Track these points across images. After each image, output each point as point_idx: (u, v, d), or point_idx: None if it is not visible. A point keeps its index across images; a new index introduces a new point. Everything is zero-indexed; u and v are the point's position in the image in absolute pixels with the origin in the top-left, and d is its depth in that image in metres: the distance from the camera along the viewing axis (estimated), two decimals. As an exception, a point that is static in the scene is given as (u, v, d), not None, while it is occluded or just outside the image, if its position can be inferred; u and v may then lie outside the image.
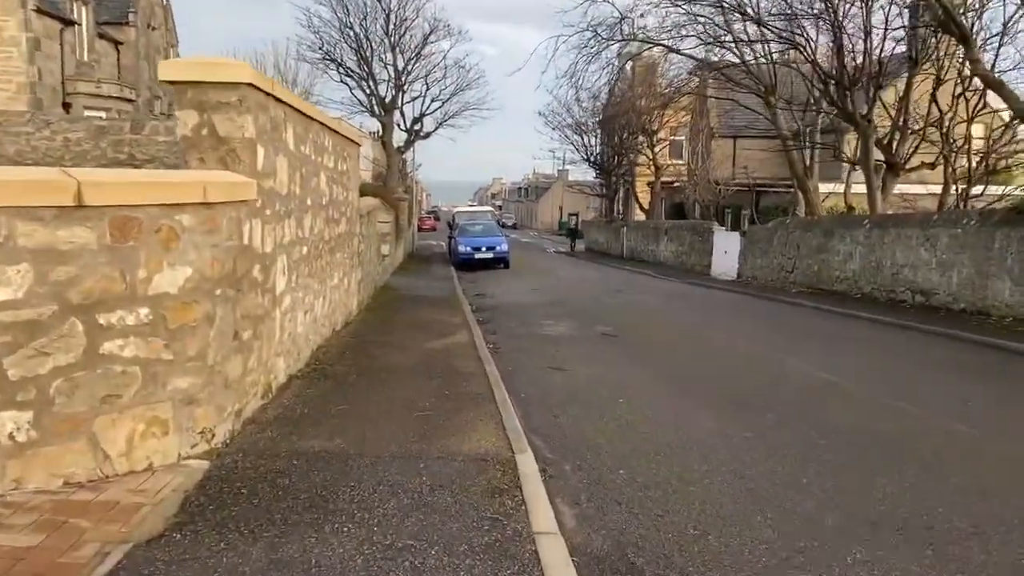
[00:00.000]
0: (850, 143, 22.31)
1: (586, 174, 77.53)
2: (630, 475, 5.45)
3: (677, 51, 24.59)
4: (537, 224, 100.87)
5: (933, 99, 17.99)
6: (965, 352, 10.98)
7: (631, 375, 9.00)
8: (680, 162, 43.66)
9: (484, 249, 30.45)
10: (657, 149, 41.59)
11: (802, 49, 19.90)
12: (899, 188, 21.32)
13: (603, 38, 24.69)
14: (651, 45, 24.74)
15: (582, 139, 50.89)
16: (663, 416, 7.12)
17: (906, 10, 19.33)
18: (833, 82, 18.94)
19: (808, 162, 23.73)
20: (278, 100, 6.65)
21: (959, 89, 18.90)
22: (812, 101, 23.29)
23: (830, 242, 20.96)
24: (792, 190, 28.40)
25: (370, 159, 57.10)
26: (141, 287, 4.77)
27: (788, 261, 23.29)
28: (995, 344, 11.27)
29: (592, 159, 51.83)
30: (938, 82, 17.70)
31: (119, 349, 4.70)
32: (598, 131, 49.82)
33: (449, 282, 23.03)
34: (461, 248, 30.63)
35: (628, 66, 33.16)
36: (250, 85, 5.78)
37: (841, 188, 25.87)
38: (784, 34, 19.62)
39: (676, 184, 43.93)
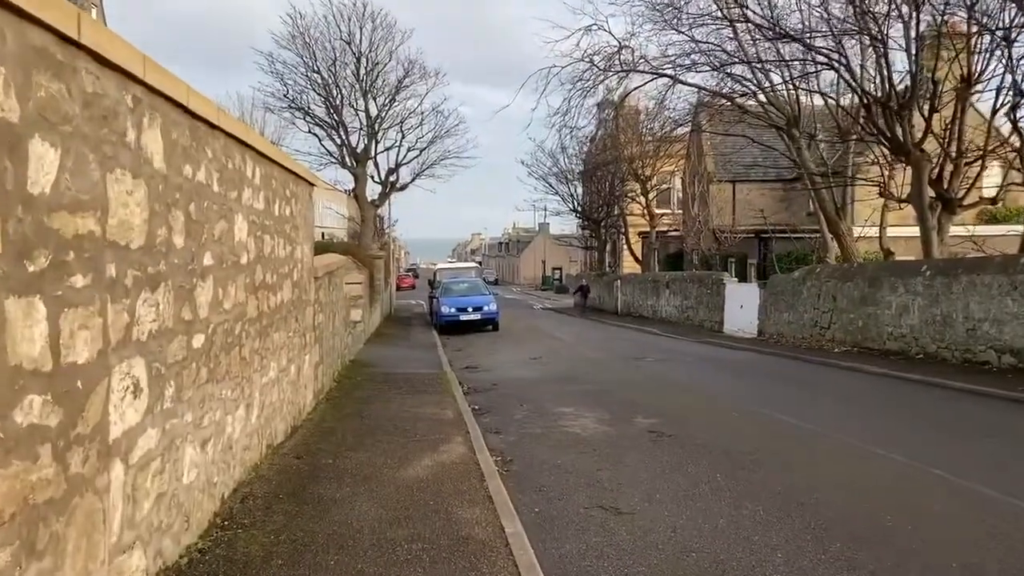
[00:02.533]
0: (894, 178, 19.38)
1: (568, 226, 74.95)
2: None
3: (683, 81, 21.84)
4: (519, 279, 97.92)
5: (1012, 119, 15.12)
6: None
7: (732, 522, 5.63)
8: (667, 211, 40.93)
9: (470, 310, 27.09)
10: (651, 196, 38.84)
11: (840, 69, 17.06)
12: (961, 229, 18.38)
13: (600, 69, 21.97)
14: (653, 76, 21.96)
15: (568, 188, 48.14)
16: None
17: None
18: (880, 106, 16.09)
19: (841, 202, 20.79)
20: (105, 63, 3.39)
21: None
22: (840, 132, 20.47)
23: (878, 293, 17.88)
24: (813, 235, 25.55)
25: (345, 217, 54.04)
26: None
27: (823, 315, 20.19)
28: None
29: (579, 209, 49.02)
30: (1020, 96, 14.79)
31: None
32: (585, 179, 47.14)
33: (433, 351, 19.63)
34: (444, 309, 27.26)
35: (615, 111, 30.40)
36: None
37: (866, 231, 23.03)
38: (819, 52, 16.74)
39: (671, 233, 41.18)
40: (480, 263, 68.16)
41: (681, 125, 28.81)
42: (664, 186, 40.72)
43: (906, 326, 16.87)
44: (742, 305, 25.35)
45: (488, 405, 11.31)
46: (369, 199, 35.61)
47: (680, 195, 41.48)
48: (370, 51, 32.87)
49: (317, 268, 10.36)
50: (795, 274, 22.14)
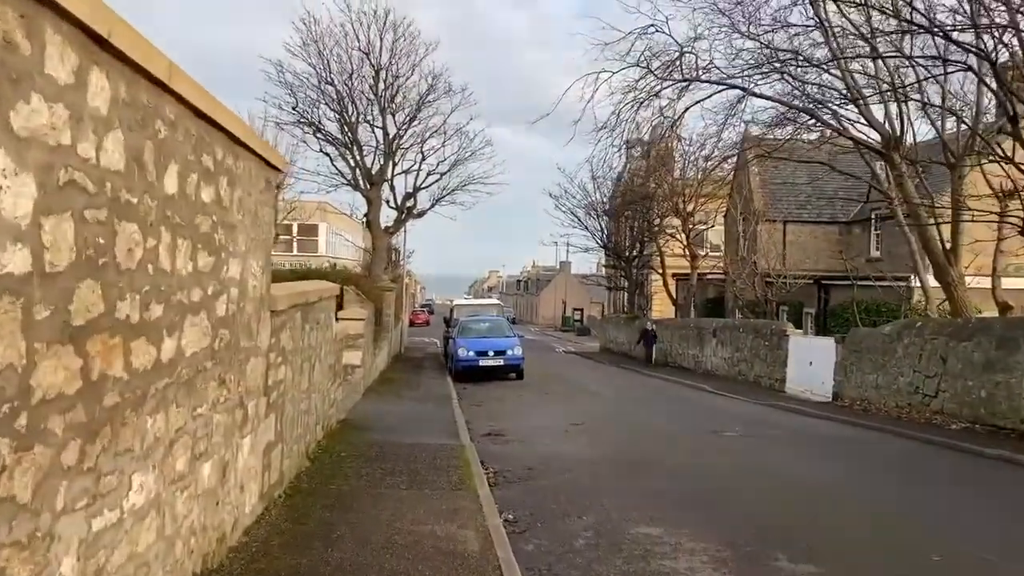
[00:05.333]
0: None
1: (590, 265, 71.26)
2: None
3: (756, 93, 18.27)
4: (538, 319, 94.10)
5: None
6: None
7: None
8: (703, 252, 37.04)
9: (491, 354, 23.30)
10: (693, 234, 35.15)
11: (980, 69, 13.31)
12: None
13: (657, 77, 18.48)
14: (721, 87, 18.43)
15: (598, 223, 44.53)
16: None
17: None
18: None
19: (952, 243, 17.00)
20: None
21: None
22: (950, 156, 16.73)
23: (1011, 356, 14.03)
24: (898, 283, 21.71)
25: (361, 248, 50.50)
26: None
27: (927, 381, 16.30)
28: None
29: (609, 245, 45.38)
30: None
31: None
32: (616, 215, 43.57)
33: (446, 407, 15.89)
34: (462, 352, 23.48)
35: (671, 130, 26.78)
36: None
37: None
38: (962, 46, 12.96)
39: (710, 276, 37.45)
40: (499, 303, 64.42)
41: (736, 153, 25.23)
42: (704, 226, 36.90)
43: (1056, 401, 13.02)
44: (811, 362, 21.52)
45: (527, 513, 7.52)
46: (383, 226, 32.21)
47: (720, 236, 37.86)
48: (391, 63, 29.71)
49: (278, 298, 6.69)
50: (886, 328, 18.30)
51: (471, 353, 23.23)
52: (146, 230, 3.73)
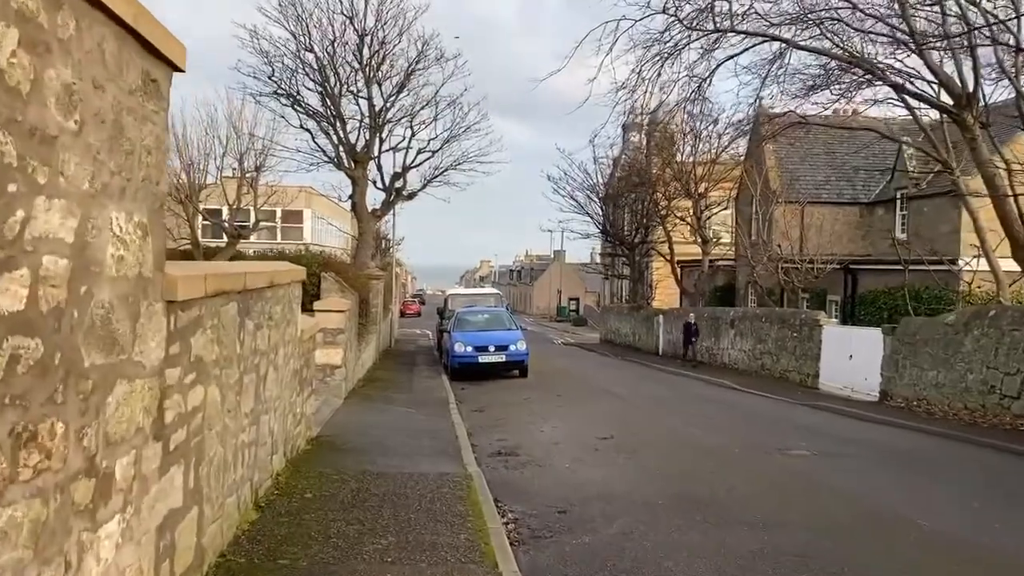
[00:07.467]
0: None
1: (585, 253, 68.66)
2: None
3: (800, 46, 15.74)
4: (532, 309, 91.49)
5: None
6: None
7: None
8: (712, 238, 34.44)
9: (492, 349, 20.69)
10: (705, 217, 32.63)
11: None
12: None
13: (686, 26, 15.91)
14: (762, 39, 15.88)
15: (599, 206, 41.88)
16: None
17: None
18: None
19: (1032, 215, 14.55)
20: None
21: None
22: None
23: (1124, 351, 11.64)
24: (939, 268, 19.24)
25: (350, 235, 47.56)
26: None
27: (1007, 379, 13.92)
28: None
29: (610, 231, 42.77)
30: None
31: None
32: (617, 197, 40.98)
33: (443, 414, 13.34)
34: (458, 348, 20.85)
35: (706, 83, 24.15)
36: None
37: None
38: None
39: (721, 262, 35.04)
40: (498, 293, 61.66)
41: (767, 121, 22.69)
42: (717, 208, 34.32)
43: None
44: (851, 355, 19.13)
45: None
46: (370, 208, 29.48)
47: (729, 220, 35.35)
48: (377, 28, 26.92)
49: (179, 280, 4.09)
50: (949, 318, 15.88)
51: (469, 349, 20.63)
52: None
